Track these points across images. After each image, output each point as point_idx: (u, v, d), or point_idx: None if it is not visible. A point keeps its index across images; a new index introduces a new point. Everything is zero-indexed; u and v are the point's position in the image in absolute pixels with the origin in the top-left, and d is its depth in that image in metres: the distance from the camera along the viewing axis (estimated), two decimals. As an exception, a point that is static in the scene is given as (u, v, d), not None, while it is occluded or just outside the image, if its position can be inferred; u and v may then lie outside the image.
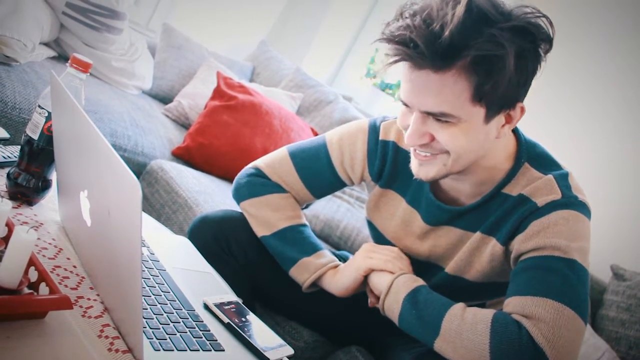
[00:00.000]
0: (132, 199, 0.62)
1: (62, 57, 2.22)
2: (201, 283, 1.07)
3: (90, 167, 0.77)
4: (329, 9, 3.23)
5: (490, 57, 0.87)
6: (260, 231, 1.22)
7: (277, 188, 1.26)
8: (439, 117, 0.94)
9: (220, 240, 1.23)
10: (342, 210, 2.20)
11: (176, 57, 2.72)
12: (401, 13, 0.92)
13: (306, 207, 2.16)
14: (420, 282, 1.05)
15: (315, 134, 2.49)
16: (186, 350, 0.83)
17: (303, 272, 1.17)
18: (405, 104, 0.98)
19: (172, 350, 0.81)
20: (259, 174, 1.28)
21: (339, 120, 2.54)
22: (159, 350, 0.79)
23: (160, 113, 2.47)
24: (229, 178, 2.20)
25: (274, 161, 1.28)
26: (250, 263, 1.24)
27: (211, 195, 1.85)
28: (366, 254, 1.13)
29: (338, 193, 2.27)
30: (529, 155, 1.07)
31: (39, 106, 0.99)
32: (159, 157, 2.06)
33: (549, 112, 2.36)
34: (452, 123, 0.94)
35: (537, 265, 0.97)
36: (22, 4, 1.80)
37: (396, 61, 0.92)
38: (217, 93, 2.33)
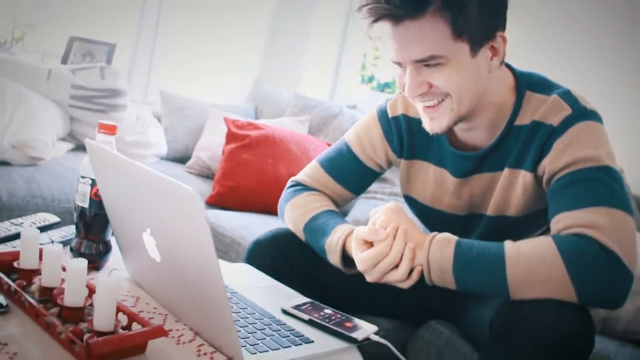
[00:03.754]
0: (193, 209, 0.67)
1: (79, 148, 2.33)
2: (273, 295, 1.12)
3: (145, 204, 0.83)
4: (310, 32, 3.31)
5: None
6: (300, 235, 1.26)
7: (306, 189, 1.32)
8: (429, 62, 1.00)
9: (276, 258, 1.27)
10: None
11: (181, 117, 2.81)
12: None
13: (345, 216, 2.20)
14: (452, 241, 1.00)
15: (333, 148, 2.54)
16: (279, 349, 0.87)
17: (332, 255, 1.16)
18: (398, 63, 1.04)
19: (267, 351, 0.86)
20: (296, 185, 1.36)
21: (351, 129, 2.59)
22: (255, 353, 0.84)
23: (184, 172, 2.55)
24: (266, 211, 2.26)
25: (308, 172, 1.37)
26: (311, 271, 1.28)
27: (255, 228, 1.90)
28: (362, 267, 1.05)
29: (371, 193, 2.30)
30: (528, 83, 1.11)
31: (82, 177, 1.06)
32: (195, 210, 2.13)
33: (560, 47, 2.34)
34: (443, 64, 1.00)
35: (576, 180, 1.00)
36: (33, 108, 1.92)
37: (377, 19, 1.00)
38: (230, 136, 2.41)
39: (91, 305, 0.84)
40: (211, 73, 3.40)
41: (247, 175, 2.25)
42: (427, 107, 1.06)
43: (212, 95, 3.27)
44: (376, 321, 1.38)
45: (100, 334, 0.76)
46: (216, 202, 2.22)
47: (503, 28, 1.04)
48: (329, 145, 2.56)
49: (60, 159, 2.02)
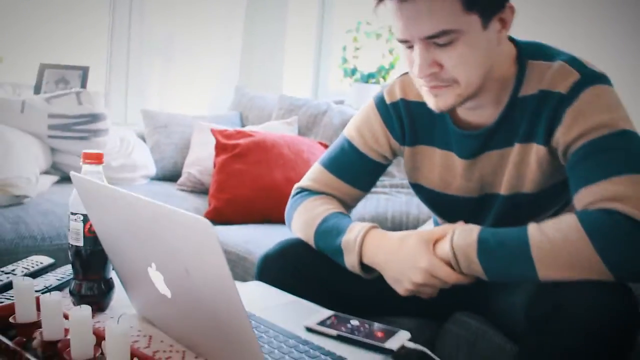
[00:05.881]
0: (207, 240, 0.60)
1: (64, 180, 2.24)
2: (292, 312, 1.05)
3: (149, 238, 0.75)
4: (285, 30, 3.25)
5: None
6: (311, 241, 1.20)
7: (312, 194, 1.26)
8: (441, 39, 0.95)
9: (288, 270, 1.21)
10: (383, 202, 2.18)
11: (166, 134, 2.73)
12: None
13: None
14: (474, 229, 0.98)
15: (325, 146, 2.48)
16: (312, 373, 0.80)
17: (350, 254, 1.11)
18: (406, 41, 0.99)
19: (298, 377, 0.78)
20: (301, 191, 1.30)
21: (341, 124, 2.52)
22: (287, 381, 0.77)
23: (176, 190, 2.47)
24: (267, 221, 2.18)
25: (312, 175, 1.30)
26: (325, 278, 1.21)
27: (260, 240, 1.83)
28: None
29: (373, 188, 2.23)
30: (529, 52, 1.06)
31: (72, 213, 0.98)
32: (194, 228, 2.06)
33: None
34: (455, 41, 0.95)
35: (593, 150, 0.95)
36: (10, 145, 1.83)
37: None
38: (220, 148, 2.33)
39: (102, 354, 0.76)
40: (191, 85, 3.33)
41: (242, 186, 2.17)
42: (433, 86, 1.01)
43: (194, 108, 3.20)
44: (397, 322, 1.32)
45: (116, 387, 0.68)
46: (214, 217, 2.14)
47: None
48: (321, 144, 2.49)
49: (46, 194, 1.93)
